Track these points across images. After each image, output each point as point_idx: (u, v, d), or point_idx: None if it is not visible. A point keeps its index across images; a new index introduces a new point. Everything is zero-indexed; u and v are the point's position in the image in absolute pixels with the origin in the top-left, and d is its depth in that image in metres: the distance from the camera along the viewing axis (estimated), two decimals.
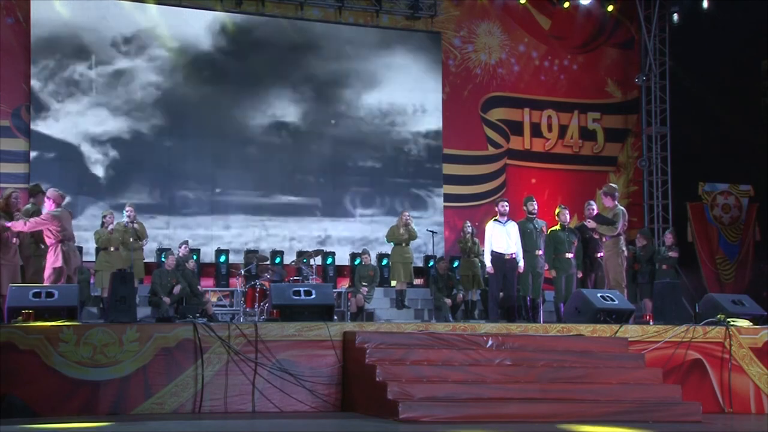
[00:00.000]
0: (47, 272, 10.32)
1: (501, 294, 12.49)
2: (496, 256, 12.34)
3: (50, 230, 10.32)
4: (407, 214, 15.76)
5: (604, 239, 12.36)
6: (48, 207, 10.53)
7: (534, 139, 19.63)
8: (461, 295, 15.47)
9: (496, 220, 12.52)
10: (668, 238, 15.27)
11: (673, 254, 14.91)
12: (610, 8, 19.83)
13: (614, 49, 20.34)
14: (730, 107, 18.71)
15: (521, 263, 12.36)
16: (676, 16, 19.25)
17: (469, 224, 15.76)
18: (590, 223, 12.38)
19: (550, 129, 19.78)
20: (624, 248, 12.22)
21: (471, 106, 19.14)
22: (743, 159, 18.70)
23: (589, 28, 20.06)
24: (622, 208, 12.43)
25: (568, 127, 19.90)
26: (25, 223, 10.17)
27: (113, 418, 8.37)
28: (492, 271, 12.40)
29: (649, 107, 19.84)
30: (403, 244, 15.57)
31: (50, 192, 10.67)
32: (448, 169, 18.74)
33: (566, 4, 19.49)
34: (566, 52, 20.01)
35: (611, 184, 12.81)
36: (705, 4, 18.45)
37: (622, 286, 11.96)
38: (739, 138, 18.54)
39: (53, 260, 10.30)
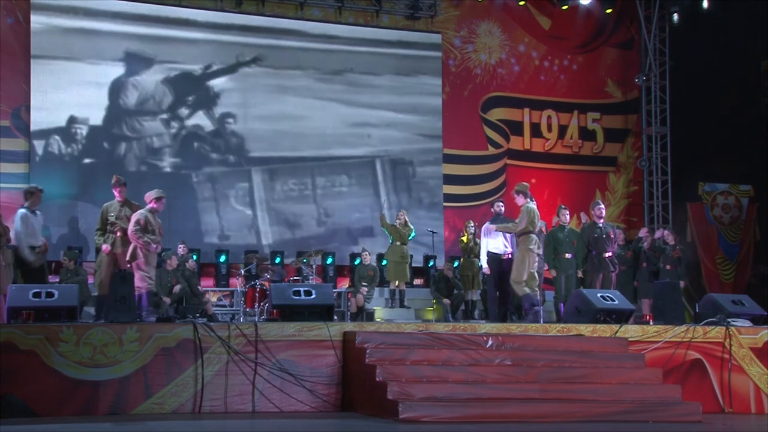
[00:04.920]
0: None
1: (497, 294, 12.49)
2: (492, 257, 12.34)
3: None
4: (403, 212, 15.59)
5: (518, 238, 12.04)
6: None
7: (534, 139, 19.62)
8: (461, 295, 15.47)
9: (492, 220, 12.52)
10: (669, 237, 15.21)
11: (677, 253, 14.88)
12: (609, 11, 19.82)
13: (614, 49, 20.33)
14: (730, 107, 18.70)
15: None
16: (676, 16, 19.22)
17: (472, 223, 15.68)
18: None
19: (549, 129, 19.76)
20: (533, 247, 11.68)
21: (471, 106, 19.12)
22: (743, 159, 18.68)
23: (589, 28, 20.05)
24: (533, 206, 11.85)
25: (567, 127, 19.89)
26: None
27: (113, 418, 8.37)
28: (488, 272, 12.39)
29: (649, 107, 19.81)
30: (399, 243, 15.39)
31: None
32: (448, 169, 18.72)
33: (565, 7, 19.48)
34: (566, 52, 20.00)
35: (523, 182, 12.65)
36: (705, 4, 18.43)
37: (518, 285, 11.66)
38: (739, 138, 18.53)
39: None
